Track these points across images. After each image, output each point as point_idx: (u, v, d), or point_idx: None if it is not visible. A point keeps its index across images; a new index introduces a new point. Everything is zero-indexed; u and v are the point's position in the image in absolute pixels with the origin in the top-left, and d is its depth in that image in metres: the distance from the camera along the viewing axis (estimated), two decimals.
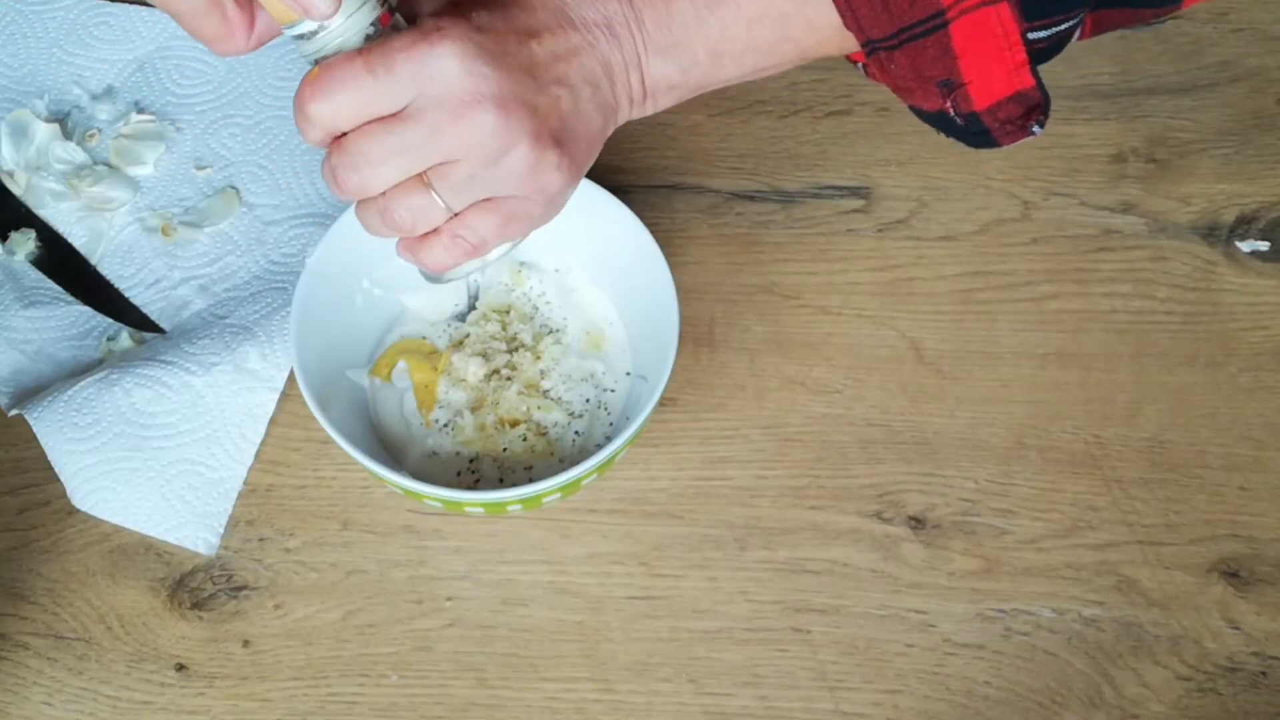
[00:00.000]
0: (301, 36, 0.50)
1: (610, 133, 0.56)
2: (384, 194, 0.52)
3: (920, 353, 0.70)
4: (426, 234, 0.54)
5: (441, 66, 0.49)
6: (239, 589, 0.64)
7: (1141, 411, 0.68)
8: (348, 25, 0.50)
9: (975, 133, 0.55)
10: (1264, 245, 0.73)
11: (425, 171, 0.52)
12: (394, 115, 0.50)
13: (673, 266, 0.63)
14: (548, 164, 0.52)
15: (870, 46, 0.53)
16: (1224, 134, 0.76)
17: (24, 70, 0.79)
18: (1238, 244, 0.73)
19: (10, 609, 0.64)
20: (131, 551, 0.65)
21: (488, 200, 0.53)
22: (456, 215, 0.53)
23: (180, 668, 0.62)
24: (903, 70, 0.53)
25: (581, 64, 0.53)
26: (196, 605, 0.64)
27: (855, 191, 0.75)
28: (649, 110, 0.57)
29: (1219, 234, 0.73)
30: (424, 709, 0.62)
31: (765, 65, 0.56)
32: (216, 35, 0.51)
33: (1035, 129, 0.54)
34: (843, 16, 0.52)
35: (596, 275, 0.69)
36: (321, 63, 0.50)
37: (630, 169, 0.75)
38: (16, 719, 0.61)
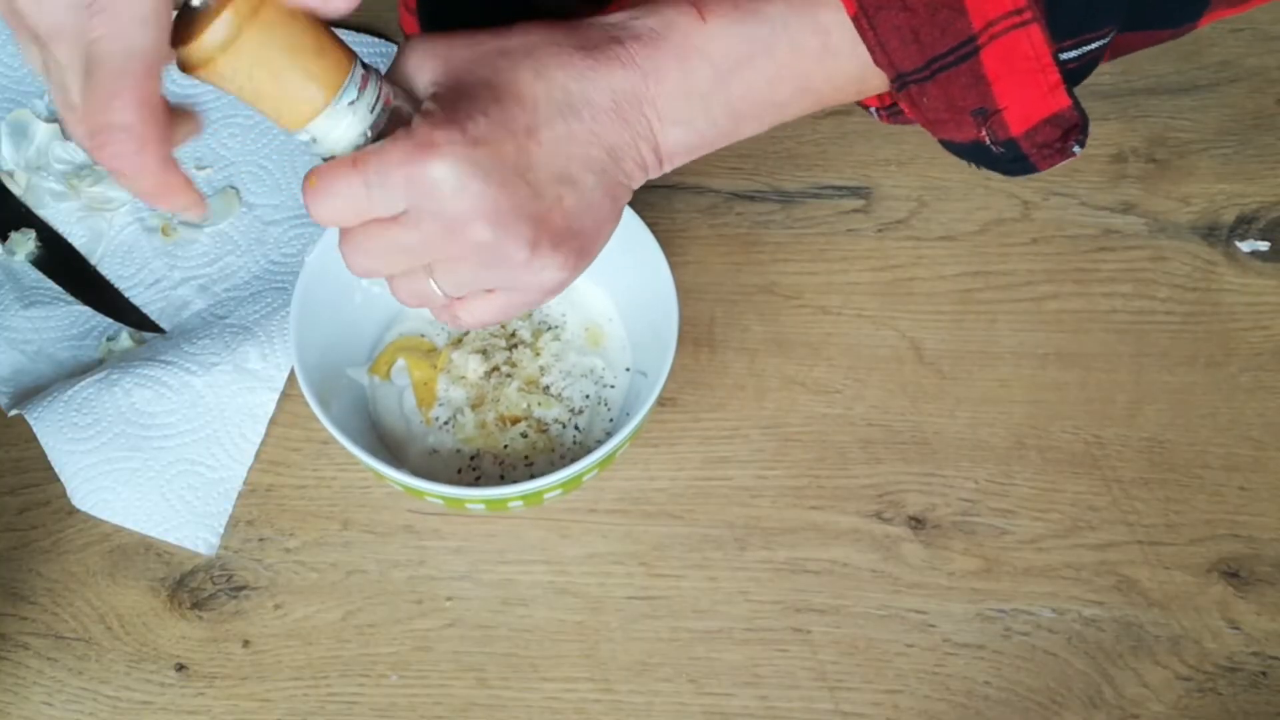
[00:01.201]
0: (308, 141, 0.50)
1: (626, 203, 0.56)
2: (390, 276, 0.54)
3: (920, 353, 0.70)
4: None
5: (435, 185, 0.49)
6: (239, 589, 0.64)
7: (1141, 411, 0.68)
8: (347, 128, 0.49)
9: (1012, 159, 0.54)
10: (1264, 245, 0.73)
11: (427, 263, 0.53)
12: (392, 219, 0.50)
13: (673, 266, 0.63)
14: (547, 265, 0.52)
15: (901, 80, 0.52)
16: (1224, 134, 0.76)
17: (24, 70, 0.79)
18: (1238, 244, 0.73)
19: (10, 609, 0.64)
20: (131, 551, 0.65)
21: (489, 291, 0.54)
22: (458, 299, 0.55)
23: (180, 668, 0.62)
24: (935, 103, 0.52)
25: (586, 154, 0.52)
26: (196, 605, 0.64)
27: (855, 191, 0.75)
28: (666, 170, 0.56)
29: (1219, 234, 0.73)
30: (424, 709, 0.62)
31: (784, 119, 0.55)
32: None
33: (1075, 149, 0.53)
34: (872, 52, 0.51)
35: (595, 272, 0.68)
36: (325, 162, 0.50)
37: None
38: (16, 719, 0.61)
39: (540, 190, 0.51)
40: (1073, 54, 0.51)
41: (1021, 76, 0.51)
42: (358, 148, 0.50)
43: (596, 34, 0.52)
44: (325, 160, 0.50)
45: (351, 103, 0.49)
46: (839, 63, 0.52)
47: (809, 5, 0.51)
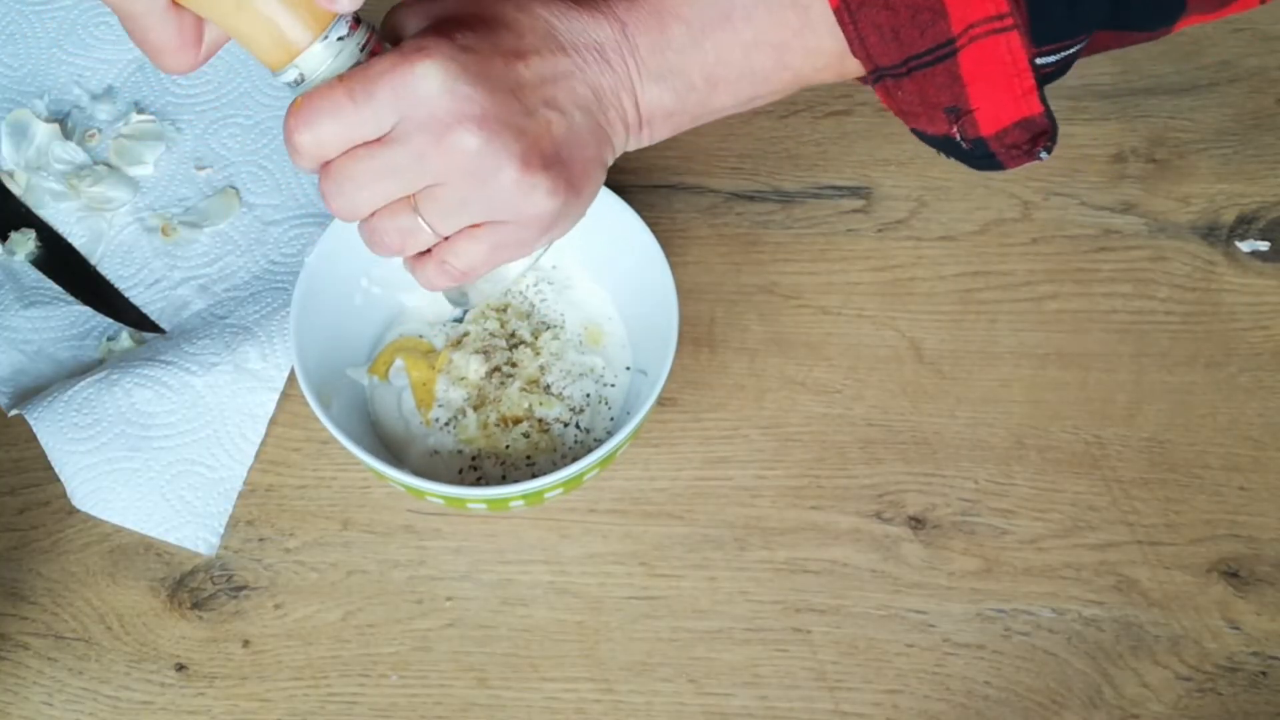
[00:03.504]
0: (291, 83, 0.50)
1: (611, 161, 0.55)
2: (373, 215, 0.53)
3: (920, 353, 0.70)
4: (419, 255, 0.55)
5: (423, 86, 0.49)
6: (239, 589, 0.64)
7: (1141, 411, 0.68)
8: (334, 66, 0.49)
9: (981, 156, 0.55)
10: (1264, 245, 0.73)
11: (413, 195, 0.52)
12: (378, 140, 0.50)
13: (673, 266, 0.63)
14: (538, 188, 0.51)
15: (878, 74, 0.52)
16: (1224, 134, 0.76)
17: (24, 70, 0.79)
18: (1238, 244, 0.73)
19: (10, 609, 0.64)
20: (131, 551, 0.65)
21: (476, 226, 0.53)
22: (446, 239, 0.53)
23: (180, 668, 0.62)
24: (909, 97, 0.53)
25: (571, 87, 0.52)
26: (196, 605, 0.64)
27: (855, 191, 0.75)
28: (646, 140, 0.56)
29: (1219, 234, 0.73)
30: (424, 709, 0.62)
31: (761, 93, 0.56)
32: (166, 46, 0.49)
33: (1042, 154, 0.54)
34: (850, 44, 0.52)
35: (594, 271, 0.69)
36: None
37: (630, 169, 0.75)
38: (16, 719, 0.61)
39: (530, 108, 0.51)
40: (1050, 59, 0.52)
41: (996, 80, 0.51)
42: None
43: None
44: None
45: (341, 37, 0.49)
46: (818, 39, 0.53)
47: None
